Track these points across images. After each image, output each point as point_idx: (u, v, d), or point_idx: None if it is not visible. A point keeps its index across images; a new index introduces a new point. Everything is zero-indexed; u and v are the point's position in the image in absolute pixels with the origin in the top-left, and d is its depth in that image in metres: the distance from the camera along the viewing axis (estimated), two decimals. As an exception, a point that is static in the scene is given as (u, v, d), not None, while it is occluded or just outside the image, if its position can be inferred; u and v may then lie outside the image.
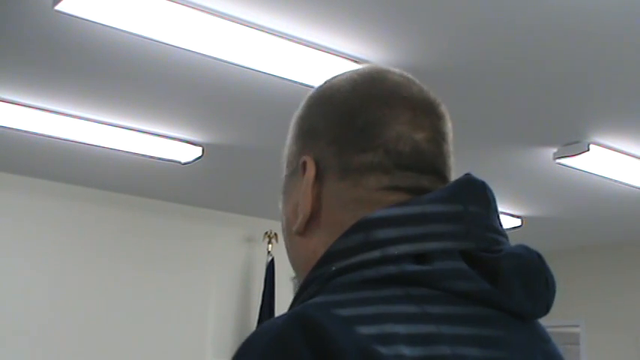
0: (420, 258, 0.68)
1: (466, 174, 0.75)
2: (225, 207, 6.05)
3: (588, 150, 4.10)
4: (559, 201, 5.39)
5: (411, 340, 0.62)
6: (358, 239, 0.70)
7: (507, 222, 5.88)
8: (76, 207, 5.47)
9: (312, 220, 0.77)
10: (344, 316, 0.62)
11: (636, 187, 4.82)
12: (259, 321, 5.87)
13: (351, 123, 0.78)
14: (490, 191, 0.75)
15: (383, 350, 0.60)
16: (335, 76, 0.85)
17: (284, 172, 0.84)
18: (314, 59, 3.13)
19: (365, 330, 0.61)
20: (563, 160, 4.27)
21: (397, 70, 0.83)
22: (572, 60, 3.18)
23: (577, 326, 6.81)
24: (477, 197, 0.73)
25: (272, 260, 6.06)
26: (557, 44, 3.04)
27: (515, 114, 3.81)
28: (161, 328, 5.71)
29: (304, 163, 0.79)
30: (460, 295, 0.67)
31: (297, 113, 0.85)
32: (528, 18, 2.84)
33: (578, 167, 4.38)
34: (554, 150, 4.28)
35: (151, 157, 4.64)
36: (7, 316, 5.06)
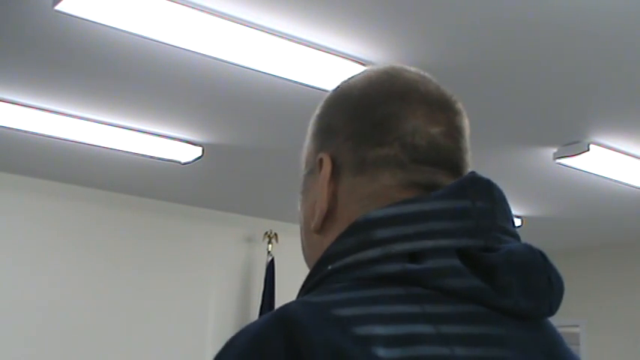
0: (415, 257, 0.68)
1: (471, 172, 0.74)
2: (225, 207, 6.05)
3: (588, 150, 4.10)
4: (559, 201, 5.39)
5: (392, 340, 0.61)
6: (354, 239, 0.70)
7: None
8: (76, 207, 5.47)
9: (328, 217, 0.78)
10: (329, 316, 0.62)
11: (636, 187, 4.82)
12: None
13: (366, 118, 0.78)
14: (497, 189, 0.74)
15: (358, 350, 0.59)
16: (352, 76, 0.85)
17: (302, 172, 0.85)
18: (314, 59, 3.13)
19: (347, 329, 0.61)
20: (563, 160, 4.27)
21: (413, 69, 0.83)
22: (573, 60, 3.18)
23: (577, 326, 6.81)
24: (480, 194, 0.72)
25: (272, 260, 6.06)
26: (558, 44, 3.04)
27: (515, 114, 3.81)
28: (161, 328, 5.71)
29: (320, 161, 0.79)
30: (451, 294, 0.66)
31: (315, 113, 0.85)
32: (528, 18, 2.84)
33: (578, 167, 4.38)
34: (554, 150, 4.28)
35: (151, 157, 4.64)
36: (7, 316, 5.06)
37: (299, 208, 0.85)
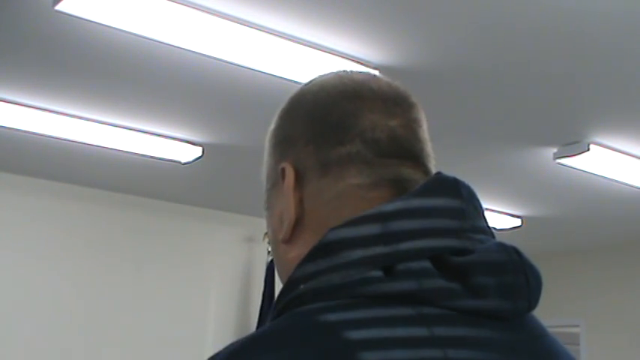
0: (388, 269, 0.66)
1: (437, 172, 0.73)
2: (225, 207, 6.05)
3: (588, 150, 4.10)
4: (559, 201, 5.39)
5: (368, 345, 0.60)
6: (324, 261, 0.68)
7: (507, 222, 5.88)
8: (75, 207, 5.47)
9: (297, 226, 0.76)
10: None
11: (636, 187, 4.82)
12: (259, 321, 5.87)
13: (323, 120, 0.77)
14: (465, 187, 0.72)
15: None
16: (302, 86, 0.84)
17: (264, 189, 0.83)
18: (314, 59, 3.13)
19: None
20: (563, 160, 4.27)
21: (363, 70, 0.84)
22: (572, 60, 3.18)
23: (577, 326, 6.81)
24: (447, 194, 0.70)
25: (272, 260, 6.05)
26: (558, 44, 3.04)
27: (515, 114, 3.81)
28: (161, 327, 5.71)
29: (282, 170, 0.78)
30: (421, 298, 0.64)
31: (269, 129, 0.85)
32: (528, 18, 2.84)
33: (578, 167, 4.38)
34: (554, 150, 4.28)
35: (151, 157, 4.64)
36: (6, 315, 5.06)
37: (266, 224, 0.84)
